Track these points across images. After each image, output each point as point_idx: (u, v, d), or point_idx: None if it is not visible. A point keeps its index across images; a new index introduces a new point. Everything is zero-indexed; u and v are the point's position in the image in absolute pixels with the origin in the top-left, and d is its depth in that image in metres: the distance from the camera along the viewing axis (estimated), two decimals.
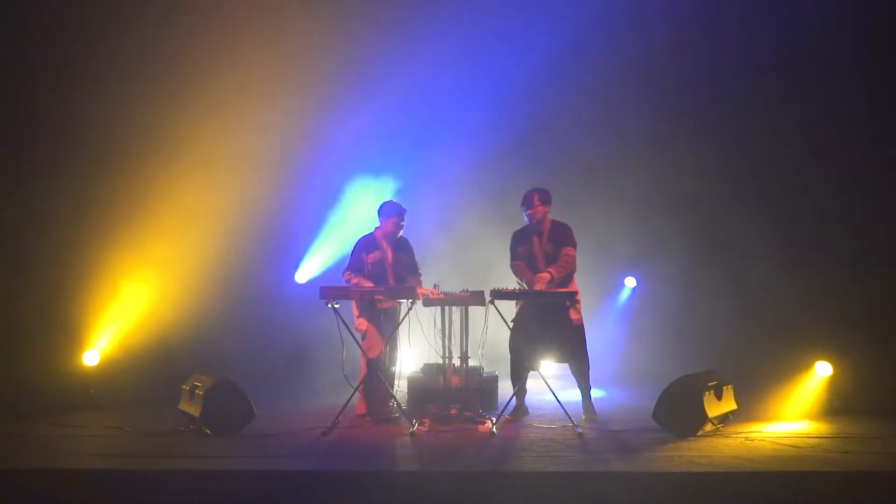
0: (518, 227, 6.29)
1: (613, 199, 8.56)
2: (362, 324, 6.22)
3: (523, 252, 6.13)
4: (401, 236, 6.37)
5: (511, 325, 5.98)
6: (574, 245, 6.09)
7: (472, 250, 8.39)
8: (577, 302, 6.04)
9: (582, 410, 6.08)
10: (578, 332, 6.06)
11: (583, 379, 6.13)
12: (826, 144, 7.78)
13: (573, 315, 6.00)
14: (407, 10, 8.19)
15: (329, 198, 8.47)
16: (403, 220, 6.29)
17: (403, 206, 6.33)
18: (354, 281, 6.15)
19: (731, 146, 8.24)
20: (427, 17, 8.11)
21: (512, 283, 6.28)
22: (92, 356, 7.06)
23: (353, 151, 8.44)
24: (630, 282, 8.93)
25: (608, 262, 8.57)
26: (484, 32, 8.33)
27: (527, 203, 6.09)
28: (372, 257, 6.24)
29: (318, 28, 7.96)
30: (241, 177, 8.14)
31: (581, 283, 6.26)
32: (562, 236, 6.10)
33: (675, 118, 8.28)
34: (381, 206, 6.35)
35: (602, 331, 8.61)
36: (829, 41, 7.59)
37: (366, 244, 6.30)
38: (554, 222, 6.17)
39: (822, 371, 6.54)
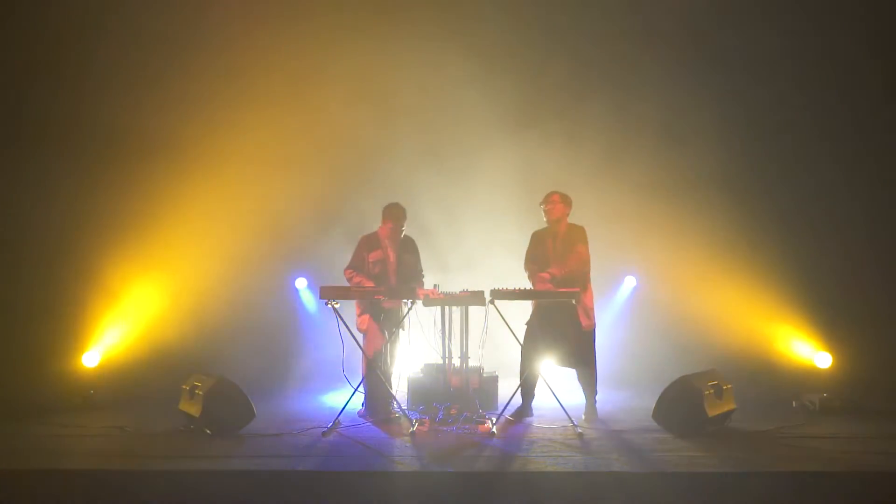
0: (538, 227, 6.28)
1: (613, 197, 8.53)
2: (364, 322, 6.22)
3: (537, 254, 6.14)
4: (405, 237, 6.37)
5: (525, 324, 6.00)
6: (584, 244, 6.07)
7: (472, 249, 8.37)
8: (590, 308, 6.04)
9: (584, 413, 6.06)
10: (588, 337, 6.05)
11: (588, 386, 6.12)
12: (847, 139, 7.72)
13: (584, 321, 5.99)
14: None
15: (331, 195, 8.45)
16: (403, 225, 6.28)
17: (402, 212, 6.30)
18: (356, 280, 6.15)
19: (738, 141, 8.15)
20: None
21: (512, 282, 6.26)
22: (92, 357, 7.06)
23: (357, 146, 8.41)
24: (630, 281, 8.92)
25: (608, 261, 8.53)
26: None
27: (545, 199, 6.12)
28: (373, 256, 6.23)
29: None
30: (242, 176, 8.13)
31: None
32: (575, 238, 6.08)
33: (686, 107, 8.16)
34: (385, 207, 6.35)
35: (602, 331, 8.58)
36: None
37: (368, 243, 6.29)
38: (570, 225, 6.17)
39: (821, 362, 6.56)
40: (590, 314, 6.05)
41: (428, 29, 7.97)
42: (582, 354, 6.01)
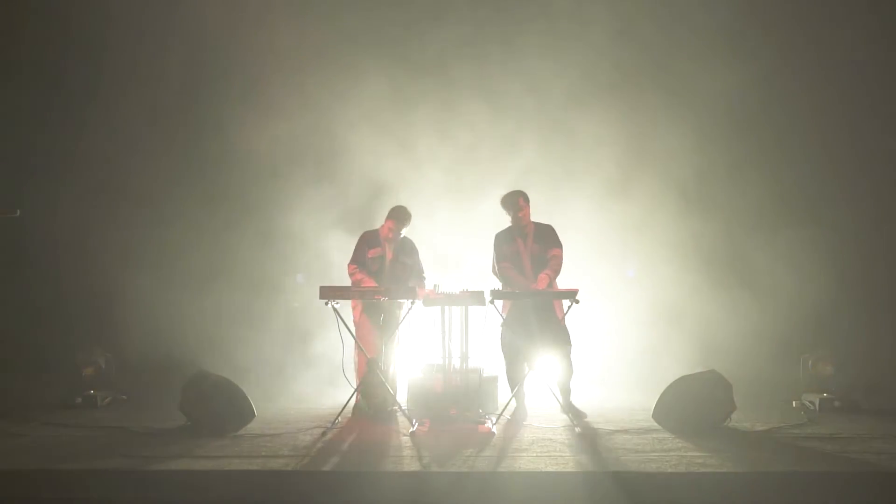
0: (502, 228, 6.26)
1: (613, 194, 8.51)
2: (364, 324, 6.22)
3: (508, 252, 6.12)
4: (404, 238, 6.38)
5: (500, 326, 5.98)
6: (561, 246, 6.12)
7: (472, 249, 8.35)
8: (559, 302, 6.04)
9: (569, 414, 5.87)
10: (563, 327, 6.04)
11: (565, 379, 6.00)
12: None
13: (559, 313, 6.01)
14: None
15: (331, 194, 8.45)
16: (401, 228, 6.28)
17: (405, 214, 6.29)
18: (358, 276, 6.17)
19: (740, 134, 8.12)
20: None
21: None
22: (90, 369, 7.01)
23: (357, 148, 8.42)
24: (630, 273, 8.91)
25: (608, 257, 8.52)
26: None
27: (513, 205, 6.09)
28: (372, 253, 6.27)
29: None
30: (240, 176, 8.13)
31: (581, 278, 6.25)
32: (548, 237, 6.13)
33: (686, 98, 8.12)
34: (391, 209, 6.36)
35: (601, 329, 8.58)
36: None
37: (368, 239, 6.35)
38: (537, 224, 6.19)
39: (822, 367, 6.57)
40: (562, 307, 6.03)
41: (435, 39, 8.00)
42: (561, 336, 5.97)
